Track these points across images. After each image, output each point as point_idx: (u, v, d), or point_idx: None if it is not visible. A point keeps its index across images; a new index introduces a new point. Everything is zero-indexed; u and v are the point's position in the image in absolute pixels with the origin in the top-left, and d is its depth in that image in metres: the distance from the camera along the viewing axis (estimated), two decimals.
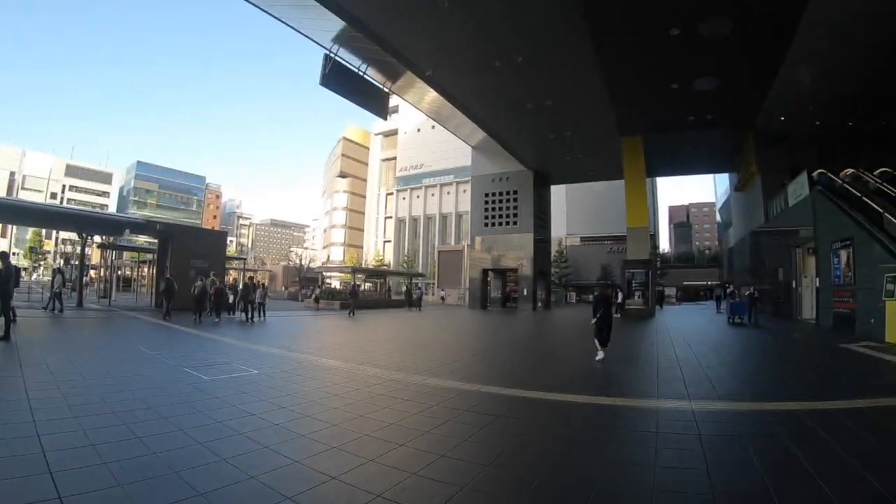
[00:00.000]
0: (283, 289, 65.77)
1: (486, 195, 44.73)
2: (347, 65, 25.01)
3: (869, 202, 18.42)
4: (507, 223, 43.59)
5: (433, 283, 66.15)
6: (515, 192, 43.29)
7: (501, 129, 35.05)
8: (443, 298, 58.62)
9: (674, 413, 6.85)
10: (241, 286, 23.97)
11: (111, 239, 30.10)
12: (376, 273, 57.01)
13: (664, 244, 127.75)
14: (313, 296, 38.47)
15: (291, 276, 67.18)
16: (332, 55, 23.64)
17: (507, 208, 43.70)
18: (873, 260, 16.64)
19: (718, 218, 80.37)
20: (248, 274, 37.88)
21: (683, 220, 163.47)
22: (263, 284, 25.23)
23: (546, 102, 29.22)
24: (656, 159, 37.75)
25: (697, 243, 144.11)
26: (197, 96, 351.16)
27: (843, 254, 18.81)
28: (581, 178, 50.25)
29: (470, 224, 48.62)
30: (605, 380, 9.65)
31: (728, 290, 28.09)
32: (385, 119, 29.41)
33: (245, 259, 53.05)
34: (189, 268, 25.75)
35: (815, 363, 11.94)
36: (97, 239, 29.12)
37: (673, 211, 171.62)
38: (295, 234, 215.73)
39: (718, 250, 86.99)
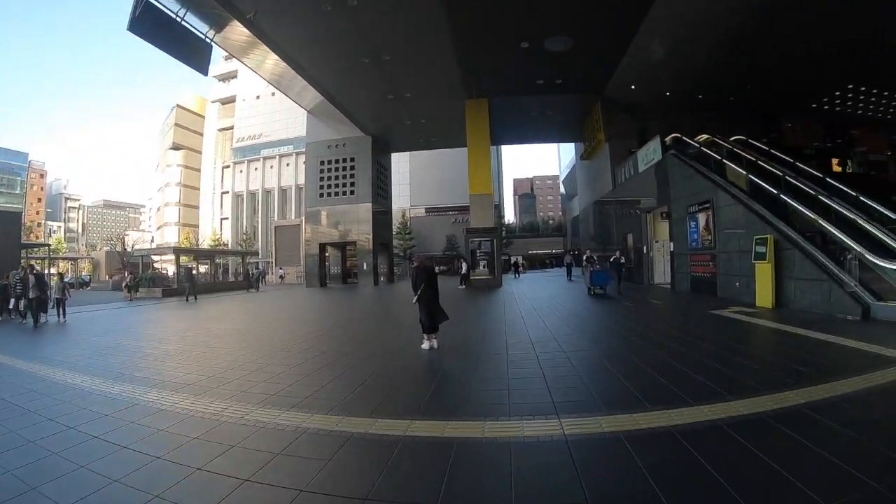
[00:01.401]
0: (107, 278, 57.82)
1: (322, 163, 40.99)
2: (162, 7, 20.72)
3: (730, 164, 17.65)
4: (345, 193, 40.22)
5: (272, 262, 61.94)
6: (353, 160, 39.98)
7: (336, 88, 31.50)
8: (281, 277, 54.78)
9: (538, 447, 4.27)
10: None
11: None
12: (204, 253, 51.68)
13: (510, 215, 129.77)
14: (124, 284, 33.54)
15: (115, 262, 59.88)
16: None
17: (344, 177, 40.31)
18: (735, 223, 15.70)
19: (562, 189, 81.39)
20: (27, 262, 31.44)
21: (528, 192, 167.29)
22: (61, 275, 20.11)
23: (384, 57, 26.05)
24: (502, 126, 36.13)
25: (542, 214, 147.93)
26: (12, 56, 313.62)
27: (702, 217, 17.83)
28: (423, 145, 47.45)
29: (305, 195, 44.81)
30: (434, 385, 6.91)
31: (585, 257, 24.93)
32: (205, 74, 24.98)
33: (49, 245, 46.09)
34: None
35: (698, 338, 9.64)
36: None
37: (517, 183, 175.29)
38: (131, 215, 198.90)
39: (562, 220, 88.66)
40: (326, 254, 43.78)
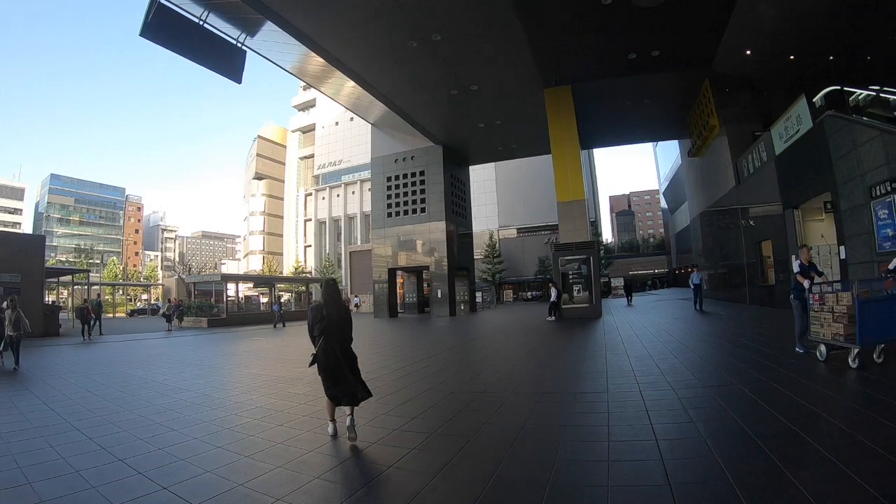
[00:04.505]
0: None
1: (389, 179, 36.45)
2: (179, 10, 18.01)
3: None
4: (415, 211, 35.33)
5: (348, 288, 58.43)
6: (422, 174, 35.09)
7: (389, 88, 26.78)
8: (357, 306, 50.64)
9: None
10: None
11: None
12: (264, 280, 48.45)
13: (607, 234, 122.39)
14: (162, 313, 31.25)
15: (183, 290, 58.06)
16: None
17: (414, 193, 35.45)
18: None
19: (663, 203, 75.36)
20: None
21: (625, 209, 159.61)
22: (13, 300, 14.99)
23: (434, 37, 21.17)
24: (590, 125, 30.56)
25: (641, 232, 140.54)
26: (107, 102, 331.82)
27: None
28: (504, 154, 41.72)
29: (371, 215, 40.34)
30: None
31: (798, 265, 9.24)
32: (239, 82, 21.54)
33: (88, 271, 43.35)
34: None
35: None
36: None
37: (614, 201, 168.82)
38: (228, 245, 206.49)
39: (664, 237, 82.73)
40: (400, 280, 39.62)
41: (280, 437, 5.80)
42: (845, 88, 15.33)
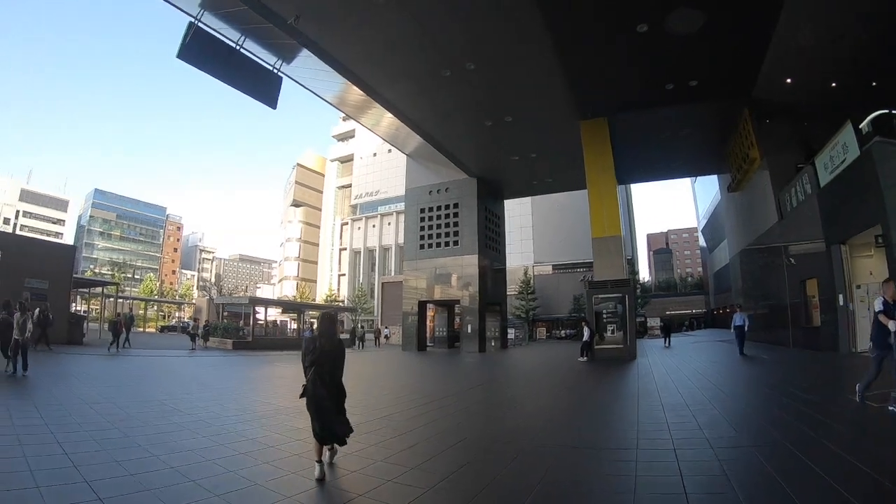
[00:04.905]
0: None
1: (423, 210, 36.02)
2: (216, 34, 18.05)
3: None
4: (447, 244, 34.76)
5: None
6: (456, 206, 34.59)
7: (420, 114, 26.42)
8: (386, 337, 50.42)
9: None
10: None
11: None
12: (292, 307, 48.20)
13: (644, 273, 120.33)
14: (188, 331, 32.00)
15: (213, 309, 58.50)
16: (196, 21, 16.99)
17: (447, 225, 34.92)
18: None
19: (702, 241, 73.86)
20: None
21: (663, 247, 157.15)
22: (21, 304, 14.08)
23: (468, 65, 20.86)
24: (627, 159, 29.53)
25: (679, 271, 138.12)
26: (158, 122, 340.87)
27: None
28: (539, 189, 41.33)
29: (404, 247, 39.95)
30: None
31: (890, 311, 7.68)
32: (273, 108, 21.50)
33: (118, 284, 43.44)
34: (23, 288, 21.23)
35: None
36: None
37: (651, 239, 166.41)
38: (264, 269, 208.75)
39: (702, 276, 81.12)
40: (431, 313, 39.23)
41: (262, 477, 5.36)
42: (894, 112, 14.45)
